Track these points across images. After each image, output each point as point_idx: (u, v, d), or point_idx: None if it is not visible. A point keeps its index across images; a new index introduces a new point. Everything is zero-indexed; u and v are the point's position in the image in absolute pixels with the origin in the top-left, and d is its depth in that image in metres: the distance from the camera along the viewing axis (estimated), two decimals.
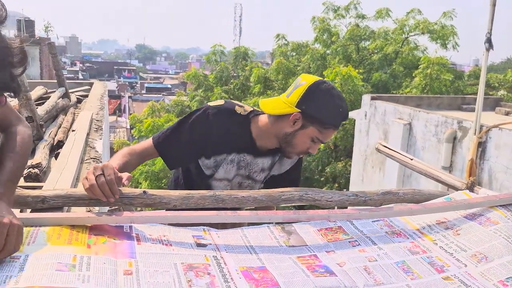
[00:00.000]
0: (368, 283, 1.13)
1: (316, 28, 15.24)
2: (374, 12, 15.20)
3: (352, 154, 10.24)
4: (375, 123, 9.05)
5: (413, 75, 13.46)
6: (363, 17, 15.35)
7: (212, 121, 1.65)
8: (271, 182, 1.87)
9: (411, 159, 2.03)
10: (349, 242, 1.35)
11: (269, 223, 1.41)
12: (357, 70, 12.33)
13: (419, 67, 13.12)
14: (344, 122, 1.73)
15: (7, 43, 0.82)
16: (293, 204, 1.71)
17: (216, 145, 1.69)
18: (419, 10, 15.02)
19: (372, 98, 9.27)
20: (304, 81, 1.63)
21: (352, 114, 10.35)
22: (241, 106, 1.73)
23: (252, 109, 1.75)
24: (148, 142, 1.72)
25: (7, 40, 0.83)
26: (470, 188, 1.72)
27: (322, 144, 1.99)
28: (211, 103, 1.72)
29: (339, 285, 1.11)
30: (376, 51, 14.90)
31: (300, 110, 1.61)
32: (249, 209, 1.69)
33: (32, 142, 1.29)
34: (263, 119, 1.71)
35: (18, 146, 1.18)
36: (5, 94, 0.92)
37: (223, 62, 15.79)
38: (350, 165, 10.81)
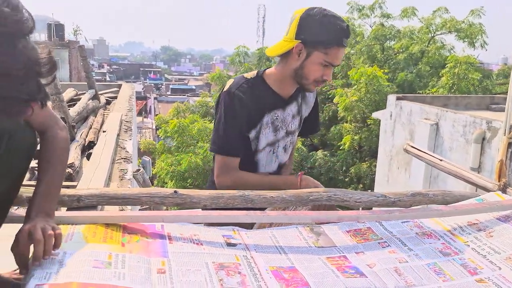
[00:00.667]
0: (399, 284, 1.13)
1: None
2: (399, 11, 14.98)
3: (377, 155, 10.12)
4: (401, 123, 8.92)
5: (439, 74, 13.19)
6: (388, 16, 15.13)
7: (239, 96, 1.66)
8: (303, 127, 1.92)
9: (441, 160, 2.00)
10: (379, 243, 1.34)
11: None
12: (382, 70, 12.17)
13: (446, 66, 12.85)
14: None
15: (35, 54, 0.84)
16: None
17: (251, 115, 1.69)
18: (446, 9, 14.72)
19: (398, 98, 9.13)
20: (297, 14, 1.66)
21: (377, 115, 10.24)
22: (247, 74, 1.77)
23: (257, 70, 1.79)
24: (221, 160, 1.69)
25: (36, 50, 0.84)
26: (503, 189, 1.69)
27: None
28: (224, 88, 1.72)
29: (369, 286, 1.11)
30: (401, 50, 14.66)
31: (300, 41, 1.63)
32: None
33: (69, 144, 1.31)
34: (272, 70, 1.75)
35: (55, 157, 1.20)
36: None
37: (247, 63, 15.82)
38: (375, 166, 10.68)
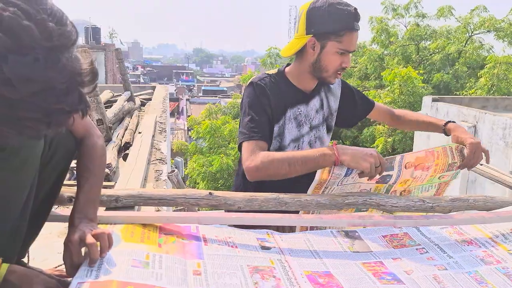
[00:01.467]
0: None
1: (374, 29, 14.90)
2: (435, 11, 14.63)
3: None
4: None
5: (478, 75, 12.80)
6: (423, 16, 14.82)
7: (261, 86, 1.67)
8: (343, 118, 1.92)
9: (481, 164, 1.93)
10: (416, 249, 1.31)
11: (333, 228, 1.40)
12: (417, 71, 11.92)
13: (484, 66, 12.46)
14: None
15: (78, 65, 0.85)
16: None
17: (273, 108, 1.68)
18: (484, 7, 14.28)
19: (434, 100, 8.91)
20: (302, 9, 1.65)
21: None
22: (269, 71, 1.77)
23: (278, 67, 1.79)
24: (247, 145, 1.60)
25: (79, 61, 0.86)
26: None
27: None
28: (248, 83, 1.73)
29: None
30: (437, 51, 14.32)
31: (311, 35, 1.62)
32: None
33: (106, 152, 1.34)
34: (292, 67, 1.75)
35: (94, 164, 1.23)
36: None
37: (278, 64, 15.83)
38: None
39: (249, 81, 1.71)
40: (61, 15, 0.83)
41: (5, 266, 0.97)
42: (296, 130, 1.74)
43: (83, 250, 1.03)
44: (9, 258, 1.13)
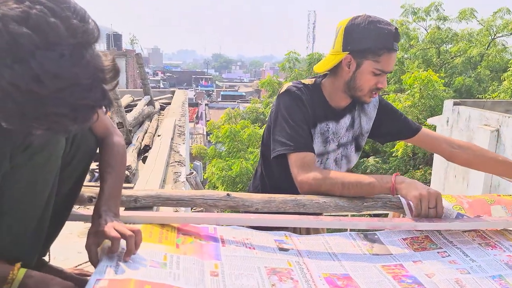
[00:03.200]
0: None
1: None
2: (457, 14, 14.41)
3: (432, 162, 9.73)
4: (458, 129, 8.54)
5: (501, 78, 12.53)
6: (445, 19, 14.59)
7: (298, 96, 1.63)
8: (376, 135, 1.85)
9: None
10: (438, 252, 1.29)
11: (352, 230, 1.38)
12: (438, 74, 11.74)
13: (508, 69, 12.19)
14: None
15: (100, 61, 0.87)
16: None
17: (308, 119, 1.64)
18: (508, 9, 13.99)
19: (455, 104, 8.75)
20: (341, 25, 1.60)
21: (432, 121, 9.86)
22: (305, 80, 1.72)
23: (314, 78, 1.73)
24: (296, 157, 1.57)
25: (101, 58, 0.88)
26: None
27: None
28: (282, 90, 1.67)
29: None
30: (459, 54, 14.08)
31: (348, 52, 1.57)
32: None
33: (126, 151, 1.36)
34: (327, 82, 1.69)
35: (116, 162, 1.25)
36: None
37: (297, 69, 15.80)
38: (429, 174, 10.28)
39: (285, 88, 1.66)
40: (83, 13, 0.85)
41: (22, 271, 0.99)
42: (322, 146, 1.69)
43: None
44: (31, 257, 1.15)
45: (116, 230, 1.02)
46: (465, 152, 1.79)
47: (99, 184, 1.22)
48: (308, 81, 1.72)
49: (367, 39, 1.54)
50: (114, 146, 1.27)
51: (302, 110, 1.61)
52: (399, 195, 1.48)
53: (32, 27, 0.77)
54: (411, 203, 1.42)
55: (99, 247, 1.03)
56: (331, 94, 1.69)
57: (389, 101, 2.14)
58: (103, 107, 0.91)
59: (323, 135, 1.69)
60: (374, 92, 1.63)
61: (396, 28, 1.56)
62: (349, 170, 1.84)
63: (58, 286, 1.01)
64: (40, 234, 1.16)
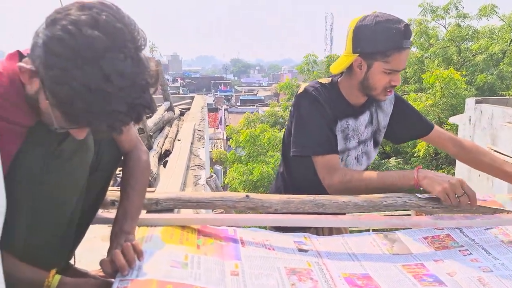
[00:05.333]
0: None
1: (413, 31, 14.57)
2: (476, 10, 14.15)
3: (455, 162, 9.56)
4: (481, 128, 8.37)
5: None
6: (464, 16, 14.34)
7: (315, 97, 1.63)
8: (393, 134, 1.86)
9: None
10: (459, 251, 1.27)
11: (371, 230, 1.38)
12: (459, 73, 11.55)
13: None
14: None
15: (149, 65, 0.93)
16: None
17: (327, 118, 1.65)
18: None
19: (477, 102, 8.59)
20: (350, 26, 1.61)
21: (454, 119, 9.70)
22: (322, 79, 1.74)
23: (331, 77, 1.75)
24: (321, 160, 1.60)
25: (149, 62, 0.94)
26: None
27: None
28: (299, 91, 1.68)
29: None
30: (480, 51, 13.82)
31: (358, 54, 1.58)
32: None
33: (150, 167, 1.39)
34: (343, 80, 1.71)
35: (137, 180, 1.26)
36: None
37: (316, 71, 15.75)
38: (453, 173, 10.09)
39: (303, 89, 1.67)
40: (134, 21, 0.93)
41: (57, 277, 1.02)
42: (343, 143, 1.71)
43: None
44: (59, 261, 1.19)
45: (116, 258, 1.02)
46: (465, 153, 1.83)
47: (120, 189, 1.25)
48: (325, 80, 1.73)
49: (375, 41, 1.54)
50: (137, 161, 1.29)
51: (320, 111, 1.62)
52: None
53: (102, 31, 0.85)
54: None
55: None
56: (348, 92, 1.70)
57: (409, 101, 2.13)
58: (151, 111, 0.97)
59: (344, 132, 1.70)
60: (388, 90, 1.63)
61: (406, 25, 1.54)
62: (369, 166, 1.85)
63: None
64: (68, 239, 1.20)
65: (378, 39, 1.54)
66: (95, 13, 0.86)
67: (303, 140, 1.63)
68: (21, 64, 0.94)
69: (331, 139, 1.64)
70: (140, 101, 0.91)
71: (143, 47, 0.93)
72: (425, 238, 1.35)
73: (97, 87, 0.85)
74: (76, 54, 0.84)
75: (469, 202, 1.43)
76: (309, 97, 1.64)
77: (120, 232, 1.13)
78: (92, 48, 0.84)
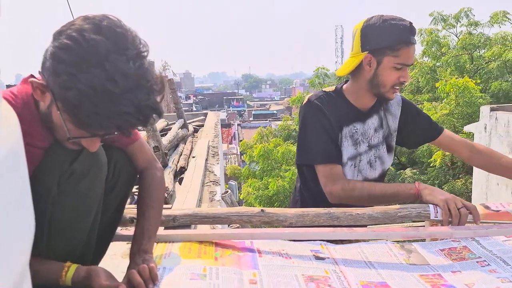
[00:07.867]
0: None
1: (424, 41, 14.53)
2: (488, 18, 14.07)
3: (472, 171, 9.42)
4: (497, 136, 8.26)
5: None
6: (476, 24, 14.27)
7: (318, 106, 1.68)
8: (403, 138, 1.88)
9: None
10: (477, 262, 1.26)
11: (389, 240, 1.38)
12: (473, 81, 11.44)
13: None
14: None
15: (151, 70, 0.98)
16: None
17: (331, 126, 1.69)
18: None
19: (492, 109, 8.49)
20: (356, 28, 1.66)
21: (469, 128, 9.58)
22: (326, 88, 1.78)
23: (335, 86, 1.79)
24: (323, 169, 1.66)
25: (153, 68, 1.00)
26: None
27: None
28: (306, 99, 1.74)
29: None
30: (493, 58, 13.70)
31: (367, 51, 1.62)
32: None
33: (165, 185, 1.40)
34: (349, 85, 1.75)
35: (152, 199, 1.28)
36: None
37: (327, 84, 15.75)
38: (470, 183, 9.94)
39: (306, 99, 1.73)
40: (134, 30, 0.99)
41: (73, 267, 1.07)
42: (353, 148, 1.73)
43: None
44: None
45: (132, 278, 1.04)
46: (479, 156, 1.82)
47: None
48: (329, 88, 1.78)
49: (384, 36, 1.60)
50: (152, 179, 1.31)
51: (321, 121, 1.67)
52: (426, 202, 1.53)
53: (104, 35, 0.92)
54: (438, 209, 1.48)
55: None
56: (354, 97, 1.74)
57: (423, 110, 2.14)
58: (159, 116, 1.02)
59: (352, 137, 1.73)
60: (396, 87, 1.67)
61: (410, 23, 1.61)
62: (384, 172, 1.87)
63: (106, 274, 1.07)
64: (87, 258, 1.23)
65: (387, 34, 1.60)
66: (97, 21, 0.94)
67: (305, 148, 1.70)
68: (32, 79, 1.00)
69: (332, 149, 1.68)
70: (147, 103, 0.96)
71: (144, 53, 0.98)
72: (442, 250, 1.34)
73: (103, 88, 0.90)
74: (81, 58, 0.90)
75: (470, 213, 1.45)
76: (311, 107, 1.69)
77: (138, 252, 1.14)
78: (96, 51, 0.90)
